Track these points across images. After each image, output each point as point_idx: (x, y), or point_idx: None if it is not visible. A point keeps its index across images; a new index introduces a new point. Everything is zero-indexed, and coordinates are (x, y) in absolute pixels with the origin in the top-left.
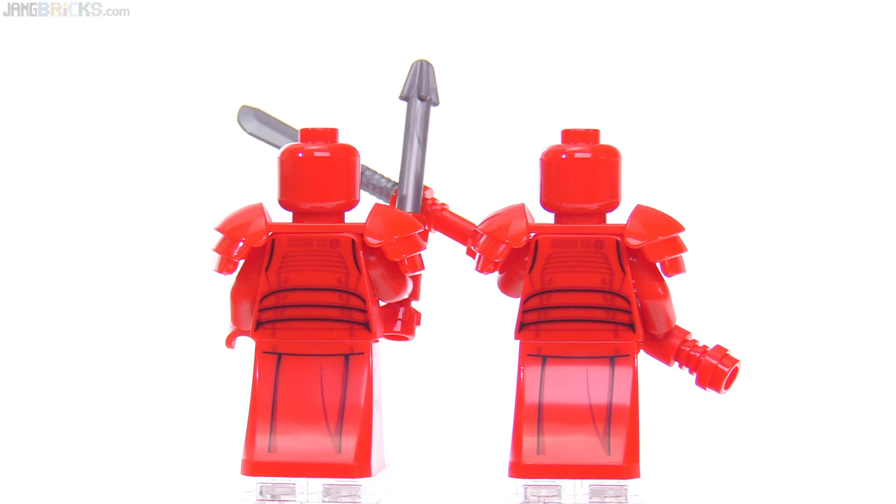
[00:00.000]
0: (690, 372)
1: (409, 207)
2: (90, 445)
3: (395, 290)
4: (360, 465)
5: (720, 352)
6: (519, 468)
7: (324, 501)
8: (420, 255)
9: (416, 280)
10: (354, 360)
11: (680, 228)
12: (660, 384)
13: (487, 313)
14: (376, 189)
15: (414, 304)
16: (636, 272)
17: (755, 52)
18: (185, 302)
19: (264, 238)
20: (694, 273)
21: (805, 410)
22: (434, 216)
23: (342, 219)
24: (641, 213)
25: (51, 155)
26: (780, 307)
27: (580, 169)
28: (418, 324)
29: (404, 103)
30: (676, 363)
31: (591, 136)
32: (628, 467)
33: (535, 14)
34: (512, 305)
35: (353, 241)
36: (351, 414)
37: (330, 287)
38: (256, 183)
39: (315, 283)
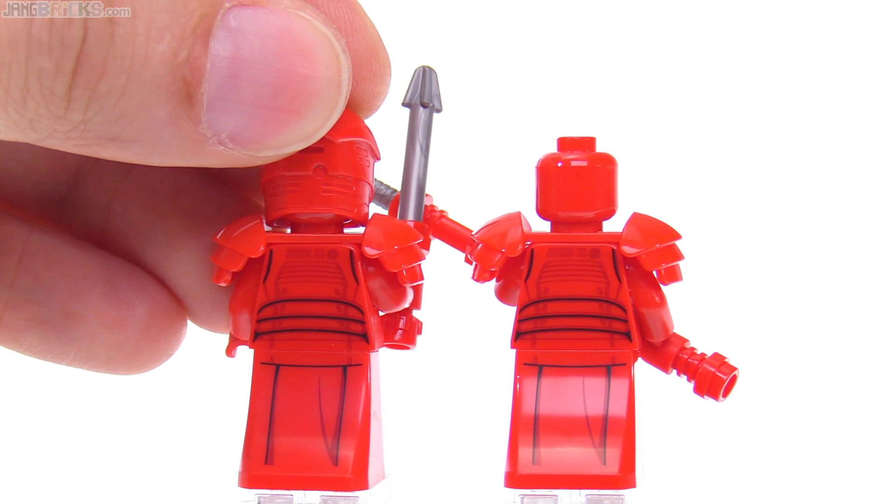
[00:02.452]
0: (689, 380)
1: (411, 215)
2: (90, 456)
3: (394, 300)
4: (356, 478)
5: (718, 359)
6: (514, 478)
7: None
8: (420, 265)
9: (417, 289)
10: (352, 372)
11: (676, 236)
12: (658, 393)
13: (485, 322)
14: (376, 196)
15: (415, 314)
16: (632, 280)
17: (751, 61)
18: None
19: (262, 249)
20: (691, 281)
21: (803, 419)
22: (433, 223)
23: (341, 229)
24: (637, 221)
25: None
26: (777, 315)
27: (576, 177)
28: (419, 333)
29: (407, 110)
30: (675, 371)
31: (586, 143)
32: (624, 477)
33: (532, 23)
34: (509, 314)
35: (350, 251)
36: (348, 426)
37: (328, 298)
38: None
39: (313, 294)
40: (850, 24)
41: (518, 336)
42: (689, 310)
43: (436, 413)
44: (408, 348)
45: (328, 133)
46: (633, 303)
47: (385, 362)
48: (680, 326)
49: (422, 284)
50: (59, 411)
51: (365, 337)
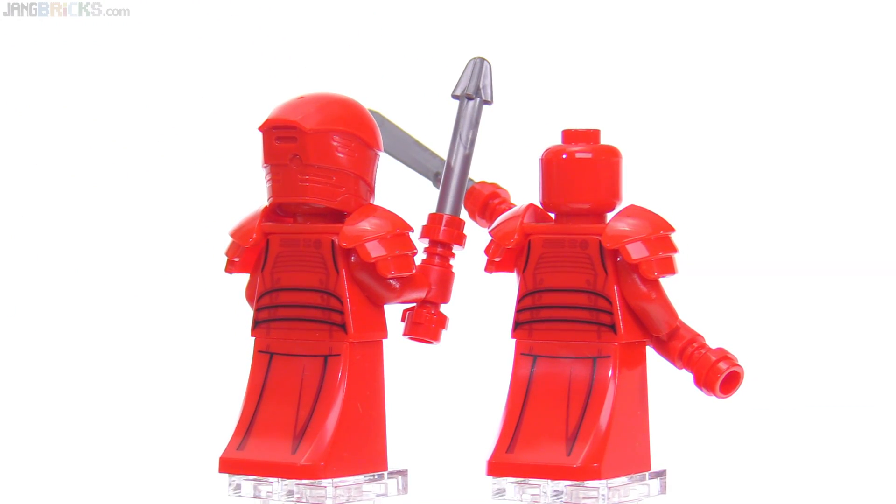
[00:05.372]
0: (690, 372)
1: (447, 209)
2: (93, 441)
3: (388, 290)
4: (311, 467)
5: (721, 353)
6: (490, 466)
7: (288, 501)
8: (406, 255)
9: (443, 283)
10: (332, 362)
11: (667, 229)
12: (667, 385)
13: (492, 312)
14: (421, 167)
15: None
16: (623, 273)
17: (755, 53)
18: (191, 302)
19: (253, 238)
20: (697, 274)
21: (808, 413)
22: (493, 211)
23: (341, 219)
24: (626, 212)
25: (51, 154)
26: (784, 310)
27: (580, 169)
28: (443, 327)
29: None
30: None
31: (591, 136)
32: (585, 468)
33: (536, 15)
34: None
35: (333, 241)
36: (319, 415)
37: (313, 288)
38: (256, 182)
39: (301, 283)
40: (852, 19)
41: (517, 326)
42: (700, 305)
43: (440, 404)
44: (428, 342)
45: (300, 122)
46: (626, 296)
47: (393, 354)
48: (692, 323)
49: (449, 278)
50: (69, 401)
51: (343, 327)
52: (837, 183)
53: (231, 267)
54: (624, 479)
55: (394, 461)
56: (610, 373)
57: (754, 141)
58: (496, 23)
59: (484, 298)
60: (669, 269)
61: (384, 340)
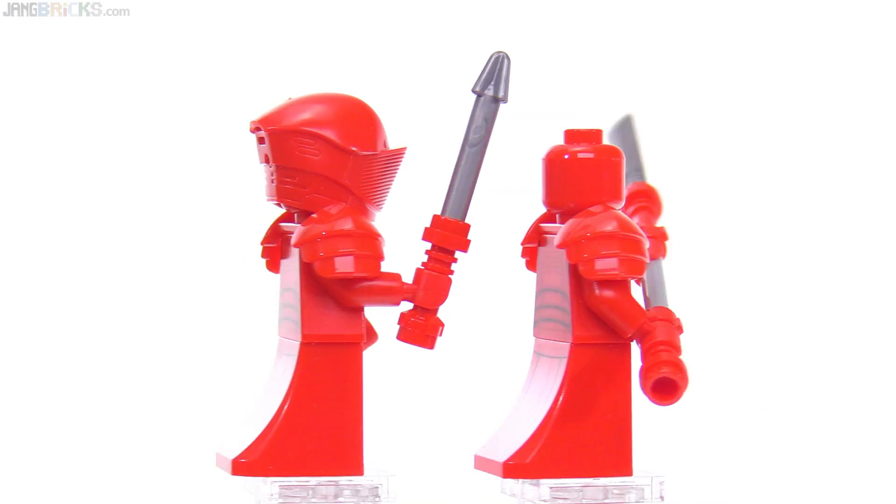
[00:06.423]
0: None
1: (448, 212)
2: (107, 440)
3: (340, 292)
4: (239, 464)
5: (674, 360)
6: (475, 459)
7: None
8: (360, 255)
9: (435, 288)
10: (292, 361)
11: (626, 230)
12: None
13: (499, 312)
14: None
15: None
16: (576, 273)
17: (758, 54)
18: (213, 302)
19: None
20: (696, 274)
21: (807, 413)
22: (634, 213)
23: None
24: (586, 213)
25: (51, 154)
26: (783, 309)
27: (582, 169)
28: (434, 333)
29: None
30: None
31: (593, 136)
32: (508, 465)
33: (538, 15)
34: None
35: None
36: (264, 414)
37: (288, 287)
38: (256, 182)
39: (285, 282)
40: (852, 16)
41: (534, 325)
42: (698, 305)
43: (443, 406)
44: (419, 346)
45: (262, 123)
46: (584, 297)
47: (403, 356)
48: (692, 327)
49: (441, 283)
50: (78, 400)
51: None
52: (838, 182)
53: (268, 266)
54: (577, 482)
55: (384, 466)
56: (563, 372)
57: (756, 141)
58: (497, 23)
59: (492, 298)
60: (597, 272)
61: (377, 344)
